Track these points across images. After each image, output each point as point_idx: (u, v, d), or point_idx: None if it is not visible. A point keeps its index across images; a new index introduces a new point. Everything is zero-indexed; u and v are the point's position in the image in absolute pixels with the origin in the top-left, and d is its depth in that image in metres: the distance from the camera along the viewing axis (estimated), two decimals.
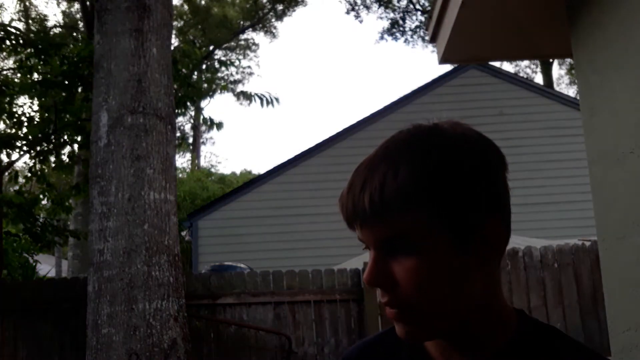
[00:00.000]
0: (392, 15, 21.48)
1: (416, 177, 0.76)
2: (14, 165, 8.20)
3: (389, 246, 0.78)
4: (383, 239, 0.77)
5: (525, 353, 0.84)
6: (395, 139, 0.82)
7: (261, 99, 8.42)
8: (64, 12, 21.83)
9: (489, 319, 0.84)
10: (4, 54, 7.68)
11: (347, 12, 22.47)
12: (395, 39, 21.76)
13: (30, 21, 19.48)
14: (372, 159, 0.81)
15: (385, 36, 21.97)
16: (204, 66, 10.94)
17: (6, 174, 7.77)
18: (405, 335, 0.80)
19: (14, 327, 5.56)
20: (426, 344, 0.89)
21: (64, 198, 8.29)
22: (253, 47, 27.35)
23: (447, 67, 12.40)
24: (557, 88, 22.88)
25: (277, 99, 8.43)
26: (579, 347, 0.86)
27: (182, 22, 24.06)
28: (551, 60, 20.30)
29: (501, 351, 0.84)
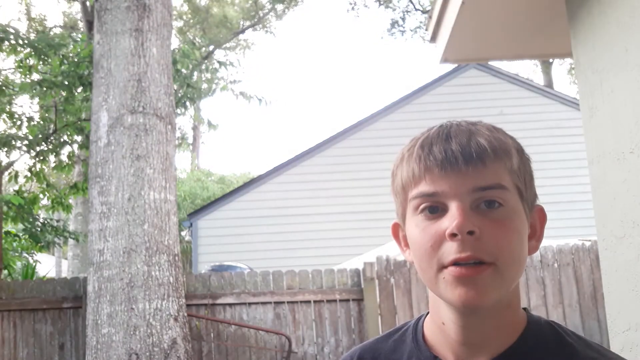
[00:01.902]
0: (392, 15, 21.50)
1: (510, 140, 0.85)
2: (14, 165, 8.20)
3: (480, 196, 0.79)
4: (480, 186, 0.79)
5: (536, 352, 0.84)
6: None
7: (259, 100, 8.83)
8: (64, 13, 21.83)
9: (507, 318, 0.84)
10: (4, 54, 7.66)
11: (347, 11, 22.47)
12: (395, 38, 21.75)
13: (31, 22, 19.48)
14: (459, 124, 0.85)
15: (385, 36, 21.96)
16: (203, 66, 10.95)
17: (6, 173, 7.77)
18: (474, 298, 0.78)
19: (14, 327, 5.57)
20: (437, 349, 0.88)
21: (63, 197, 8.30)
22: (252, 47, 27.35)
23: (447, 67, 12.40)
24: (556, 88, 22.85)
25: (270, 102, 9.03)
26: (587, 344, 0.86)
27: (182, 22, 24.05)
28: (551, 60, 20.30)
29: (509, 351, 0.84)
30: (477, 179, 0.79)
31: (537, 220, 0.85)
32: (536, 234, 0.85)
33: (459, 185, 0.79)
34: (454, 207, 0.78)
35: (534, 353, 0.84)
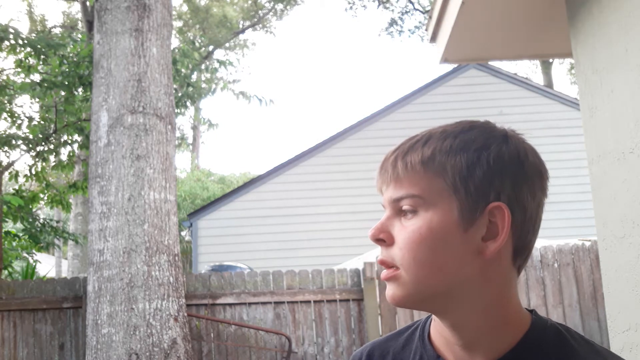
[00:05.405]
0: (391, 14, 21.48)
1: (440, 149, 0.83)
2: (14, 165, 8.21)
3: (399, 206, 0.83)
4: (396, 197, 0.83)
5: (535, 356, 0.82)
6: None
7: (260, 100, 8.88)
8: (64, 13, 21.83)
9: (494, 321, 0.83)
10: (4, 53, 7.67)
11: (346, 10, 22.52)
12: (392, 37, 21.75)
13: (32, 23, 19.48)
14: (414, 137, 0.88)
15: (383, 35, 21.96)
16: (203, 66, 10.96)
17: (6, 173, 7.77)
18: (389, 297, 0.84)
19: (14, 327, 5.57)
20: (440, 349, 0.88)
21: (62, 195, 8.30)
22: (252, 47, 27.35)
23: (447, 67, 12.40)
24: (556, 88, 22.83)
25: (271, 101, 8.99)
26: (595, 350, 0.84)
27: (182, 22, 24.04)
28: (551, 60, 20.30)
29: (507, 356, 0.83)
30: (394, 191, 0.84)
31: (498, 219, 0.81)
32: (494, 234, 0.81)
33: (386, 197, 0.86)
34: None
35: (533, 358, 0.82)
